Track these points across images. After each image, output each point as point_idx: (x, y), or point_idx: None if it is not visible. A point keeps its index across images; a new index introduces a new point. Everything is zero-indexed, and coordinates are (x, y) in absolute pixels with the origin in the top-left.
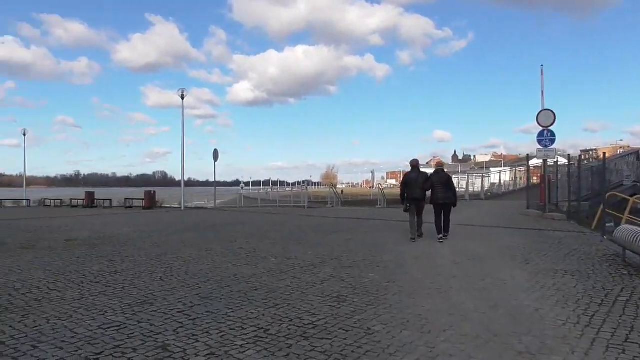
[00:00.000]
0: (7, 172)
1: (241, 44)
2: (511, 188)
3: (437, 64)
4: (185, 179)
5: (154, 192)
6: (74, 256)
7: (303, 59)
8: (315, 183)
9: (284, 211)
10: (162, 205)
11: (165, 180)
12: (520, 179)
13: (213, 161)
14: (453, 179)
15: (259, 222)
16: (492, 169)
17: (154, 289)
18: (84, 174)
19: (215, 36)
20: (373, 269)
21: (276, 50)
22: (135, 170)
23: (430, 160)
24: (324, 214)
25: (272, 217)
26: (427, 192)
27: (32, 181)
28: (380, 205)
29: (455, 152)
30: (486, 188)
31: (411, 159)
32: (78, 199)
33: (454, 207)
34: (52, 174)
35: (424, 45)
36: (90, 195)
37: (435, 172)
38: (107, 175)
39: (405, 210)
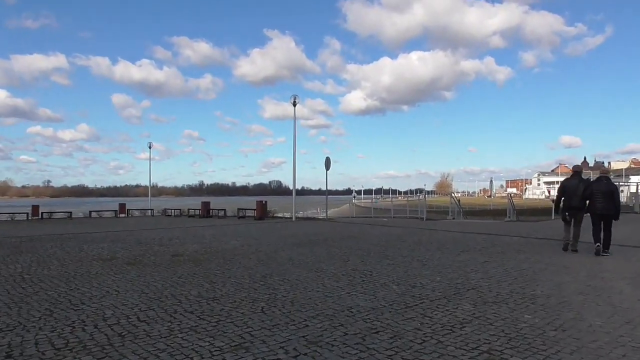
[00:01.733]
0: (143, 183)
1: (355, 53)
2: None
3: (566, 63)
4: (299, 187)
5: (266, 202)
6: (175, 275)
7: (418, 65)
8: (428, 192)
9: (400, 223)
10: (274, 215)
11: (280, 189)
12: None
13: (325, 170)
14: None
15: (374, 236)
16: (631, 177)
17: (252, 326)
18: (207, 184)
19: (329, 46)
20: (527, 306)
21: (390, 57)
22: (253, 180)
23: (556, 167)
24: (446, 227)
25: (388, 230)
26: (586, 201)
27: (163, 191)
28: (509, 217)
29: (585, 158)
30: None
31: (574, 165)
32: (195, 209)
33: (615, 220)
34: (180, 184)
35: (552, 44)
36: (205, 206)
37: (597, 179)
38: (228, 184)
39: (564, 220)
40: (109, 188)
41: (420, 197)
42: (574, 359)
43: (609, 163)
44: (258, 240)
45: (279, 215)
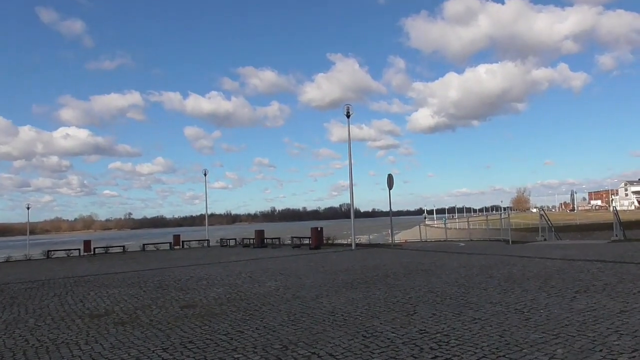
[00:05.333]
0: (218, 212)
1: (420, 71)
2: None
3: None
4: (369, 209)
5: (321, 228)
6: (165, 343)
7: (486, 78)
8: (505, 208)
9: (481, 248)
10: (333, 242)
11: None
12: None
13: (388, 188)
14: None
15: (449, 270)
16: None
17: None
18: (279, 210)
19: (394, 66)
20: None
21: (456, 72)
22: (323, 204)
23: None
24: (540, 252)
25: (467, 259)
26: None
27: (237, 218)
28: (616, 235)
29: None
30: None
31: None
32: (250, 238)
33: None
34: (253, 211)
35: (632, 44)
36: (259, 234)
37: None
38: (299, 209)
39: None
40: (185, 218)
41: (503, 215)
42: None
43: None
44: (301, 280)
45: (339, 241)
